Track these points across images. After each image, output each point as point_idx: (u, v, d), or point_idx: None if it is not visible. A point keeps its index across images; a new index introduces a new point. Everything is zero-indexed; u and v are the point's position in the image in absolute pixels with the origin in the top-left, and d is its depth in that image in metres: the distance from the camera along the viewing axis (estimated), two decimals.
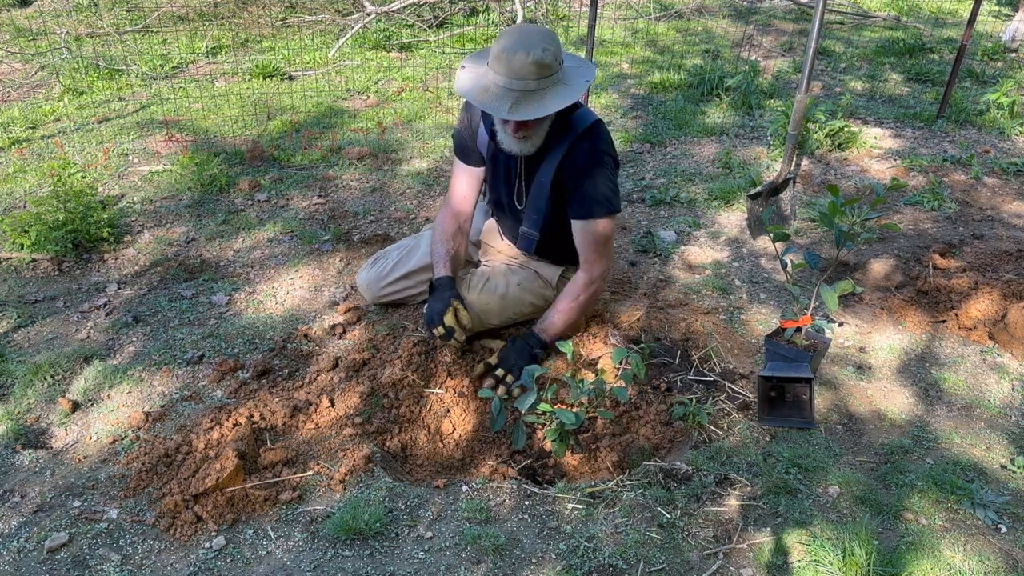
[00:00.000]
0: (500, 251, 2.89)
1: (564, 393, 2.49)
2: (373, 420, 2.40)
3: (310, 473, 2.17)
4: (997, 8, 8.69)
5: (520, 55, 2.18)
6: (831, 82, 6.04)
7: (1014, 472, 2.24)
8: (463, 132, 2.65)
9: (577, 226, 2.53)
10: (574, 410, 2.22)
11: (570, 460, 2.37)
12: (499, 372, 2.52)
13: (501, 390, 2.47)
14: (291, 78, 5.93)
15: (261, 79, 5.82)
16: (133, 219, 3.70)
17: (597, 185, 2.46)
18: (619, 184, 2.59)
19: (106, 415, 2.44)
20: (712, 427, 2.39)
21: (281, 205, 3.89)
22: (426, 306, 2.62)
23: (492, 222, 2.91)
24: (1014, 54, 6.77)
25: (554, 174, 2.48)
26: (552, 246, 2.72)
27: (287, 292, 3.14)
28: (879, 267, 3.31)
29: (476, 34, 7.05)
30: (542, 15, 7.66)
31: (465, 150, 2.66)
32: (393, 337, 2.80)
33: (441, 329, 2.53)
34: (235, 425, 2.29)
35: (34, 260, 3.29)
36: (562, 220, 2.61)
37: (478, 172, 2.68)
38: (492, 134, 2.51)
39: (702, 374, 2.63)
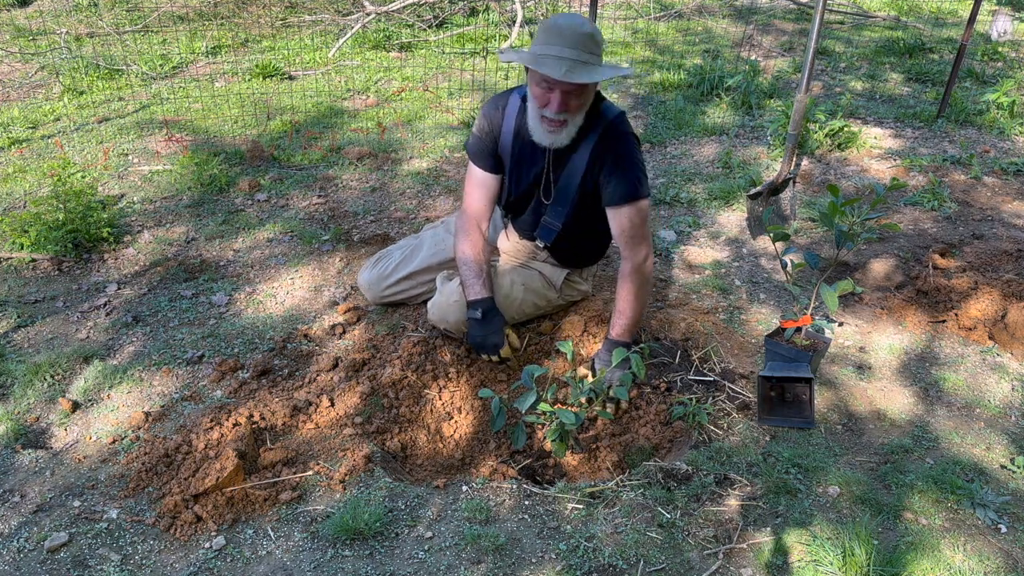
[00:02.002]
0: (505, 251, 2.88)
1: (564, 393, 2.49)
2: (373, 420, 2.40)
3: (310, 473, 2.17)
4: (997, 8, 8.69)
5: (574, 27, 2.27)
6: (831, 82, 6.04)
7: (1014, 472, 2.24)
8: (482, 138, 2.62)
9: (615, 213, 2.52)
10: (574, 410, 2.22)
11: (570, 460, 2.37)
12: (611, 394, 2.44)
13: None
14: (291, 78, 5.93)
15: (261, 79, 5.82)
16: (133, 219, 3.70)
17: (632, 169, 2.48)
18: None
19: (106, 415, 2.44)
20: (712, 427, 2.39)
21: (281, 205, 3.89)
22: (475, 331, 2.56)
23: (501, 230, 2.91)
24: (1012, 53, 6.77)
25: (587, 163, 2.50)
26: (568, 243, 2.72)
27: (287, 292, 3.14)
28: (879, 267, 3.31)
29: (476, 34, 7.05)
30: (542, 15, 7.66)
31: (483, 155, 2.63)
32: (393, 337, 2.80)
33: (496, 358, 2.59)
34: (235, 425, 2.29)
35: (34, 260, 3.29)
36: (584, 216, 2.62)
37: (494, 179, 2.65)
38: (517, 136, 2.52)
39: (702, 374, 2.63)
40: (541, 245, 2.74)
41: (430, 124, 5.01)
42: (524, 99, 2.53)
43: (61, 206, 3.34)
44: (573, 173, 2.53)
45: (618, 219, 2.52)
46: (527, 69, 2.39)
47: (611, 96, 5.60)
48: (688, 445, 2.32)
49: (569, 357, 2.37)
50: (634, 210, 2.50)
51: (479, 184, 2.67)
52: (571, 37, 2.25)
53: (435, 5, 7.59)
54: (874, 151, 4.67)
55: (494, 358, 2.59)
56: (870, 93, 5.81)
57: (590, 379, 2.48)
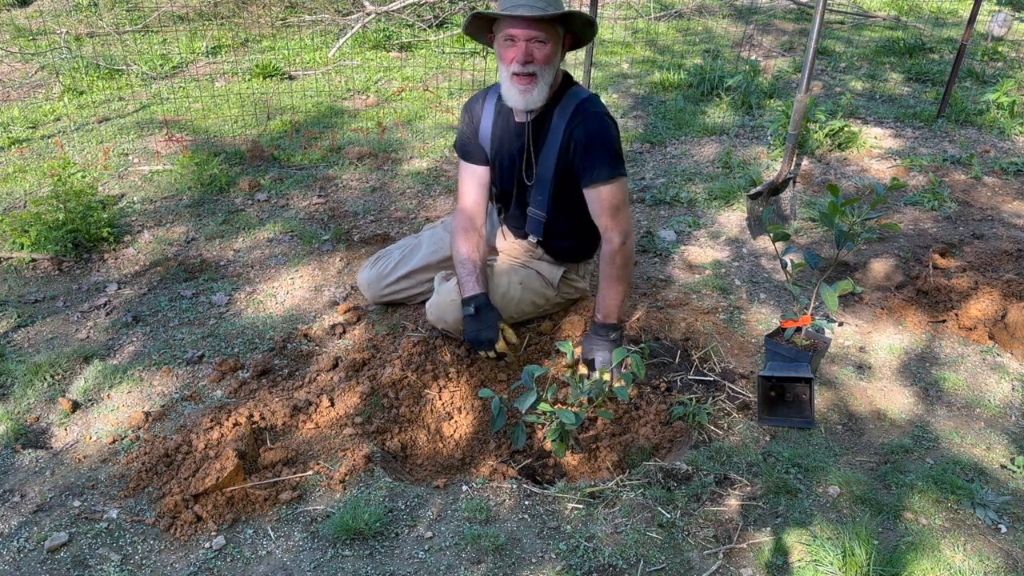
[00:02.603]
0: (502, 250, 2.89)
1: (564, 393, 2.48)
2: (373, 420, 2.40)
3: (310, 473, 2.17)
4: (998, 8, 8.69)
5: None
6: (831, 82, 6.04)
7: (1014, 472, 2.24)
8: (466, 132, 2.68)
9: (593, 193, 2.53)
10: (574, 410, 2.22)
11: (570, 460, 2.37)
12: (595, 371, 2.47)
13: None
14: (291, 78, 5.93)
15: (261, 79, 5.82)
16: (133, 219, 3.70)
17: (607, 148, 2.49)
18: None
19: (106, 415, 2.44)
20: (712, 427, 2.39)
21: (281, 205, 3.89)
22: (469, 327, 2.57)
23: (498, 229, 2.92)
24: (1012, 53, 6.77)
25: (562, 139, 2.51)
26: (557, 234, 2.72)
27: (287, 292, 3.14)
28: (879, 267, 3.31)
29: None
30: None
31: (469, 150, 2.68)
32: (393, 337, 2.80)
33: (493, 354, 2.57)
34: (235, 425, 2.29)
35: (34, 260, 3.29)
36: (566, 201, 2.62)
37: (484, 173, 2.69)
38: (497, 120, 2.56)
39: (702, 374, 2.63)
40: (534, 241, 2.75)
41: (430, 124, 5.01)
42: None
43: (61, 206, 3.34)
44: (550, 152, 2.54)
45: (596, 199, 2.53)
46: (496, 49, 2.45)
47: (611, 96, 5.60)
48: (688, 445, 2.32)
49: (569, 357, 2.36)
50: (612, 189, 2.51)
51: (469, 178, 2.70)
52: None
53: (435, 5, 7.59)
54: (874, 151, 4.67)
55: (491, 354, 2.58)
56: (870, 93, 5.81)
57: (587, 374, 2.49)
